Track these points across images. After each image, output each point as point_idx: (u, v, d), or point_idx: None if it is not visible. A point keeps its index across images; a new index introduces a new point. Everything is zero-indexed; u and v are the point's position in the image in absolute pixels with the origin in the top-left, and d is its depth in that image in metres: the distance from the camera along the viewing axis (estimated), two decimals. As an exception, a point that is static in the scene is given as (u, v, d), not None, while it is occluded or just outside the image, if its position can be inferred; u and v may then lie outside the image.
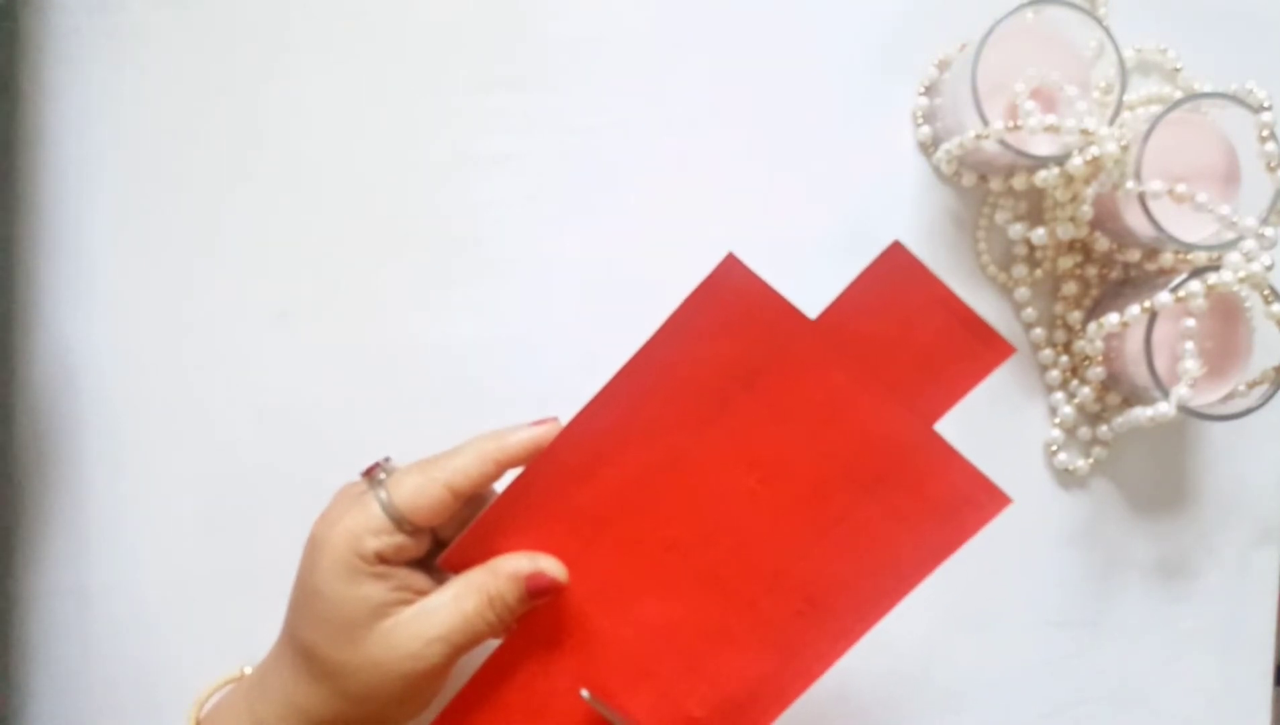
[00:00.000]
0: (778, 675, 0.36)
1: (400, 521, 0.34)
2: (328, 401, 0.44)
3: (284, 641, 0.35)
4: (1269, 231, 0.40)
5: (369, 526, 0.34)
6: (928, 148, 0.46)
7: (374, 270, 0.45)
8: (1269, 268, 0.40)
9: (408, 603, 0.34)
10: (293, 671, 0.34)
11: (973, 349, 0.35)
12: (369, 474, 0.36)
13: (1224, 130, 0.43)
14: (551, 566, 0.35)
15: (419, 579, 0.35)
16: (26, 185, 0.44)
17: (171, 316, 0.45)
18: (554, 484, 0.35)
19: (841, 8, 0.46)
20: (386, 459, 0.36)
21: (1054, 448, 0.46)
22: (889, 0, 0.46)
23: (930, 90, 0.46)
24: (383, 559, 0.34)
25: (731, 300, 0.34)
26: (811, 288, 0.46)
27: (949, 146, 0.43)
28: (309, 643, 0.34)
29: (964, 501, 0.35)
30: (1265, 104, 0.41)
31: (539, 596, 0.35)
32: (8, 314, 0.44)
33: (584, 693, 0.36)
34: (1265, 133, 0.41)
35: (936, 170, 0.46)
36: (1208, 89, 0.43)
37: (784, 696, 0.36)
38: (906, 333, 0.35)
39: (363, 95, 0.45)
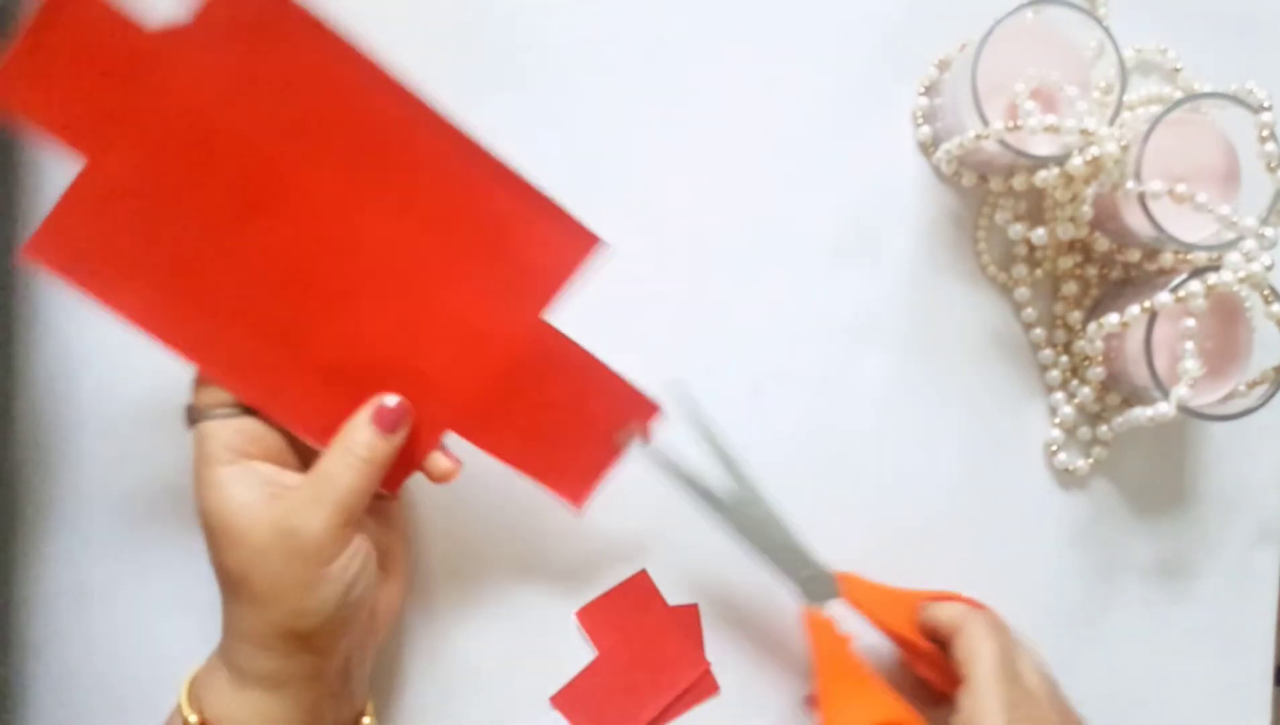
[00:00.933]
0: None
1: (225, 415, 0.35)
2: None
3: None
4: (1269, 231, 0.40)
5: (226, 439, 0.35)
6: (928, 148, 0.46)
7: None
8: (1269, 268, 0.40)
9: (277, 497, 0.34)
10: (223, 606, 0.35)
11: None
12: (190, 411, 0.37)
13: (1224, 130, 0.43)
14: (389, 398, 0.36)
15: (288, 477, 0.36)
16: (26, 185, 0.44)
17: (171, 316, 0.45)
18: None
19: (842, 8, 0.46)
20: None
21: (1054, 448, 0.46)
22: (889, 0, 0.46)
23: (930, 90, 0.46)
24: (243, 453, 0.35)
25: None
26: (811, 287, 0.46)
27: (949, 146, 0.43)
28: (213, 556, 0.34)
29: (564, 236, 0.37)
30: (1265, 104, 0.41)
31: (396, 426, 0.35)
32: (8, 314, 0.44)
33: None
34: (1265, 133, 0.41)
35: (936, 170, 0.46)
36: (1208, 89, 0.43)
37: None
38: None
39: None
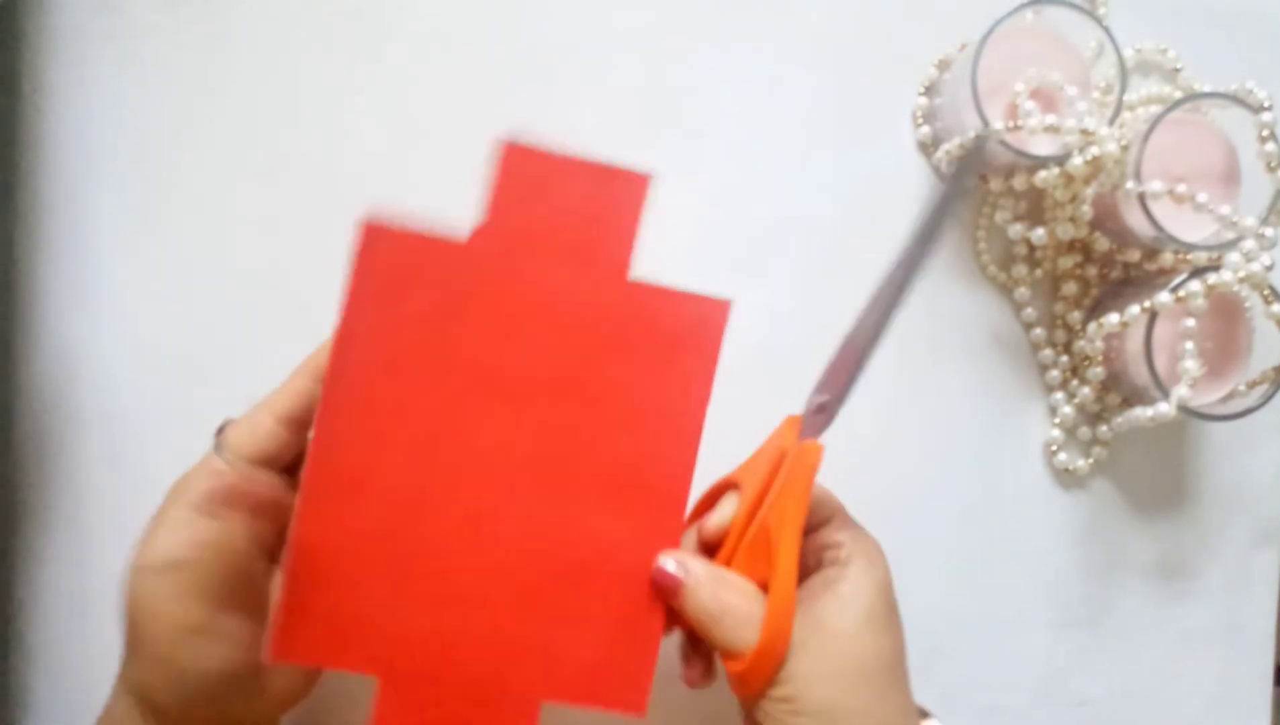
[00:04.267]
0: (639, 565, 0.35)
1: (234, 462, 0.34)
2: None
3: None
4: (1269, 231, 0.40)
5: (206, 472, 0.33)
6: (928, 148, 0.46)
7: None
8: (1269, 268, 0.40)
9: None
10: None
11: (616, 191, 0.35)
12: (224, 427, 0.35)
13: (1224, 130, 0.43)
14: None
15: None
16: (26, 185, 0.44)
17: (172, 316, 0.45)
18: (335, 514, 0.33)
19: (842, 8, 0.46)
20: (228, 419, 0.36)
21: (1054, 448, 0.46)
22: (889, 0, 0.46)
23: (930, 90, 0.46)
24: (214, 499, 0.33)
25: (392, 263, 0.34)
26: (811, 287, 0.46)
27: (949, 146, 0.43)
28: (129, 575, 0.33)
29: (691, 324, 0.35)
30: (1265, 104, 0.41)
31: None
32: (8, 314, 0.44)
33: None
34: (1265, 133, 0.41)
35: (936, 170, 0.46)
36: (1208, 89, 0.43)
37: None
38: (559, 209, 0.35)
39: (364, 94, 0.45)
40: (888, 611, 0.34)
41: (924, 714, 0.36)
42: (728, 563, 0.35)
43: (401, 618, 0.33)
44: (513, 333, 0.34)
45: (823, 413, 0.36)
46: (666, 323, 0.35)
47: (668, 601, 0.34)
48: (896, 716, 0.33)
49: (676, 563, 0.34)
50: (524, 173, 0.34)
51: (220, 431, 0.35)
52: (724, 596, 0.33)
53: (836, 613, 0.33)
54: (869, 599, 0.33)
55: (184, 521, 0.32)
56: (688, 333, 0.35)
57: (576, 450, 0.35)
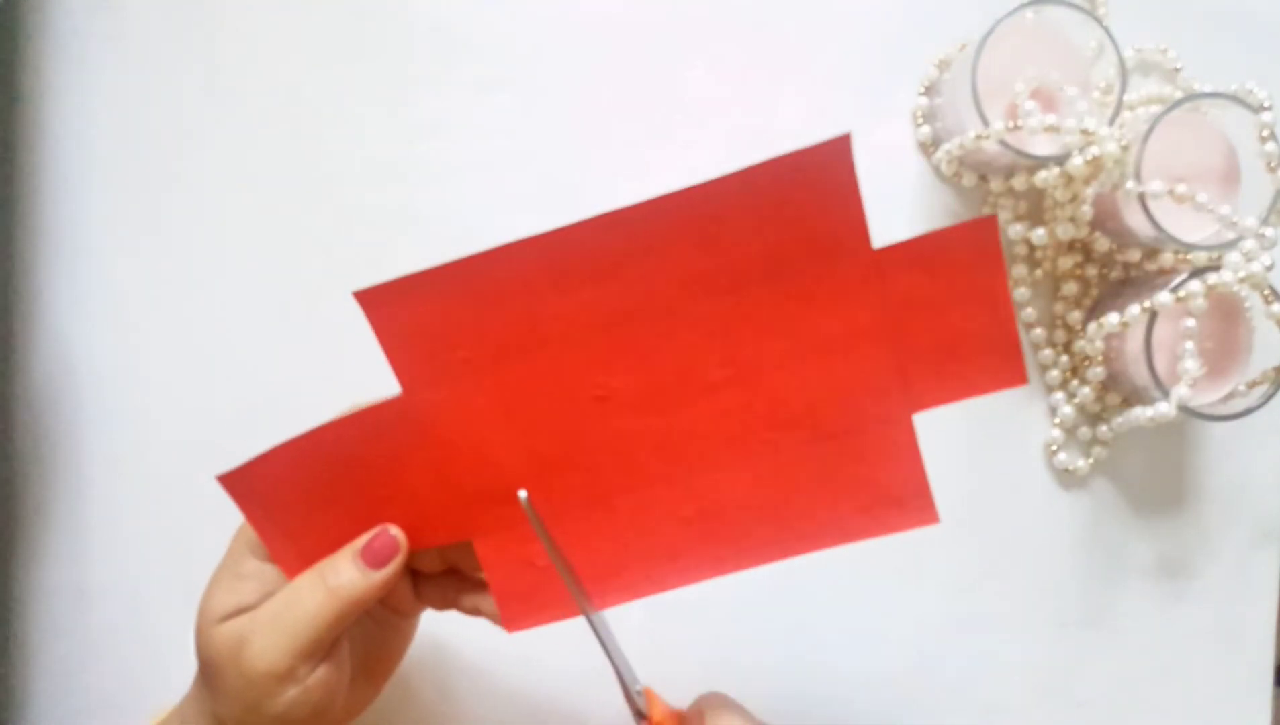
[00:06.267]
0: (640, 568, 0.34)
1: None
2: (329, 401, 0.44)
3: None
4: (1269, 231, 0.40)
5: None
6: (928, 148, 0.46)
7: (377, 269, 0.45)
8: (1269, 268, 0.40)
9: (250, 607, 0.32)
10: (198, 678, 0.34)
11: (993, 361, 0.33)
12: None
13: (1224, 130, 0.43)
14: (390, 528, 0.33)
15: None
16: (26, 185, 0.44)
17: (171, 316, 0.45)
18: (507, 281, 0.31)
19: (842, 7, 0.46)
20: None
21: (1054, 448, 0.46)
22: (889, 0, 0.46)
23: (930, 90, 0.46)
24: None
25: (819, 182, 0.30)
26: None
27: (949, 146, 0.43)
28: (196, 631, 0.33)
29: (897, 500, 0.33)
30: (1265, 104, 0.41)
31: (380, 562, 0.32)
32: (8, 314, 0.44)
33: (521, 494, 0.33)
34: (1265, 133, 0.41)
35: (936, 170, 0.46)
36: (1208, 89, 0.43)
37: (631, 591, 0.34)
38: (947, 310, 0.32)
39: (366, 95, 0.45)
40: None
41: None
42: None
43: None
44: (793, 330, 0.32)
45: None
46: (887, 473, 0.33)
47: None
48: None
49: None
50: (970, 249, 0.31)
51: None
52: None
53: None
54: None
55: (254, 571, 0.33)
56: (888, 498, 0.33)
57: (717, 452, 0.33)
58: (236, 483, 0.33)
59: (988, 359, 0.32)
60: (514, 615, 0.35)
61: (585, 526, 0.34)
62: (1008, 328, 0.32)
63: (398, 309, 0.31)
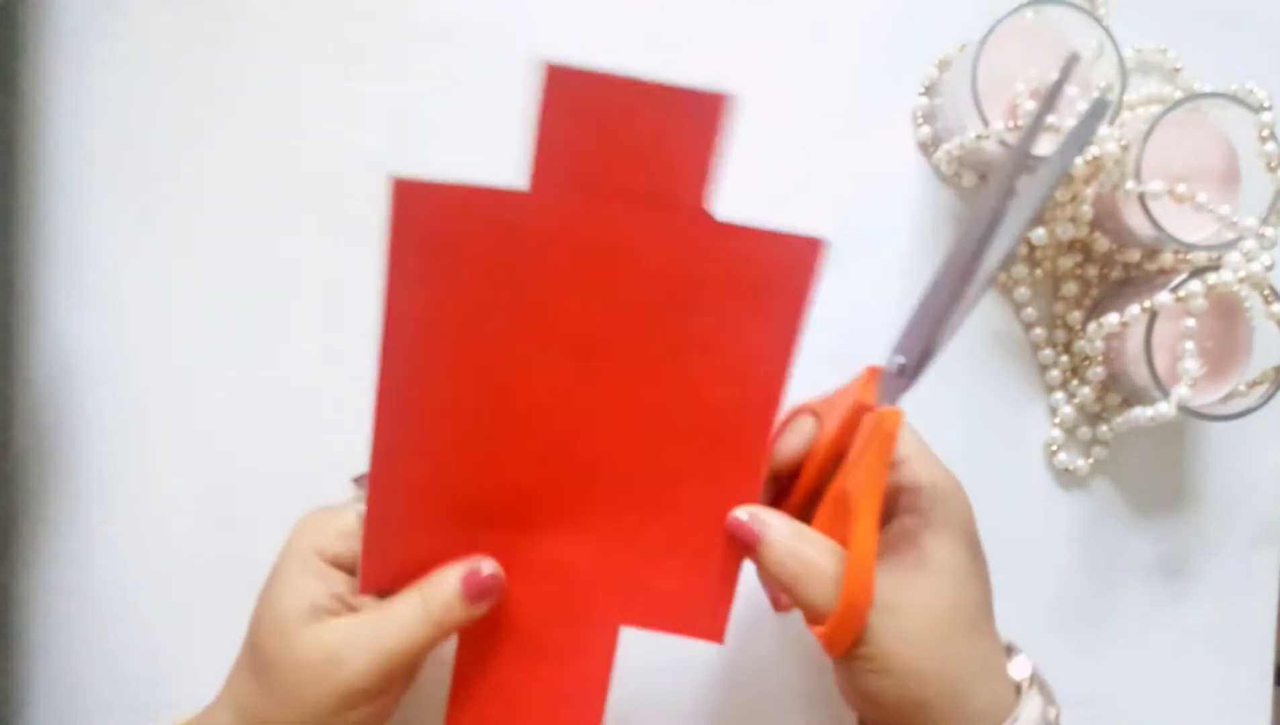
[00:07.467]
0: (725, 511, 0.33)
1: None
2: (329, 402, 0.44)
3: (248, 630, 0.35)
4: (1269, 231, 0.40)
5: (340, 528, 0.33)
6: (928, 148, 0.46)
7: (378, 269, 0.45)
8: (1269, 268, 0.40)
9: (336, 613, 0.32)
10: (240, 664, 0.34)
11: (685, 116, 0.31)
12: (361, 480, 0.35)
13: (1224, 130, 0.43)
14: (488, 564, 0.33)
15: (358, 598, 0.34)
16: (26, 185, 0.44)
17: (171, 316, 0.45)
18: (409, 475, 0.32)
19: (842, 8, 0.46)
20: None
21: (1054, 448, 0.46)
22: (889, 0, 0.46)
23: (930, 90, 0.46)
24: (339, 564, 0.33)
25: (432, 221, 0.30)
26: (811, 288, 0.46)
27: (949, 146, 0.43)
28: (253, 628, 0.33)
29: (782, 265, 0.31)
30: (1265, 104, 0.41)
31: (482, 596, 0.33)
32: (8, 314, 0.44)
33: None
34: (1265, 133, 0.41)
35: (936, 170, 0.46)
36: (1208, 89, 0.43)
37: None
38: (620, 142, 0.30)
39: (366, 94, 0.45)
40: (971, 559, 0.33)
41: (1010, 650, 0.35)
42: (801, 502, 0.34)
43: (480, 548, 0.33)
44: (580, 282, 0.31)
45: (902, 375, 0.33)
46: (751, 264, 0.31)
47: (745, 556, 0.33)
48: (982, 669, 0.32)
49: (751, 515, 0.33)
50: (574, 102, 0.29)
51: (358, 481, 0.35)
52: (803, 552, 0.32)
53: (918, 570, 0.32)
54: (951, 551, 0.32)
55: (321, 571, 0.33)
56: (775, 275, 0.31)
57: (655, 400, 0.32)
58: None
59: (677, 112, 0.31)
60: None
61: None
62: (661, 90, 0.30)
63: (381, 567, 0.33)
